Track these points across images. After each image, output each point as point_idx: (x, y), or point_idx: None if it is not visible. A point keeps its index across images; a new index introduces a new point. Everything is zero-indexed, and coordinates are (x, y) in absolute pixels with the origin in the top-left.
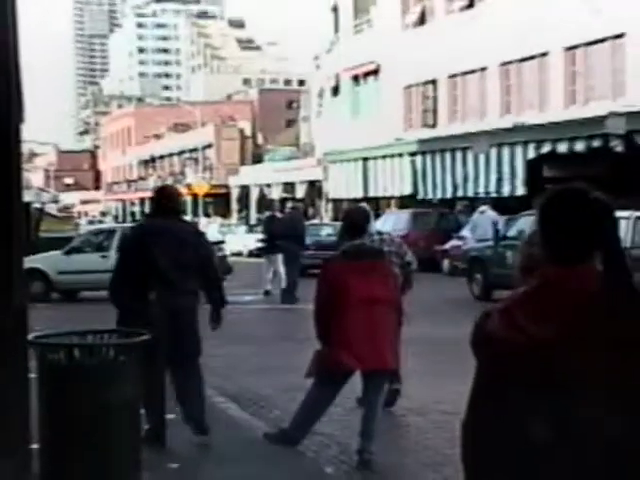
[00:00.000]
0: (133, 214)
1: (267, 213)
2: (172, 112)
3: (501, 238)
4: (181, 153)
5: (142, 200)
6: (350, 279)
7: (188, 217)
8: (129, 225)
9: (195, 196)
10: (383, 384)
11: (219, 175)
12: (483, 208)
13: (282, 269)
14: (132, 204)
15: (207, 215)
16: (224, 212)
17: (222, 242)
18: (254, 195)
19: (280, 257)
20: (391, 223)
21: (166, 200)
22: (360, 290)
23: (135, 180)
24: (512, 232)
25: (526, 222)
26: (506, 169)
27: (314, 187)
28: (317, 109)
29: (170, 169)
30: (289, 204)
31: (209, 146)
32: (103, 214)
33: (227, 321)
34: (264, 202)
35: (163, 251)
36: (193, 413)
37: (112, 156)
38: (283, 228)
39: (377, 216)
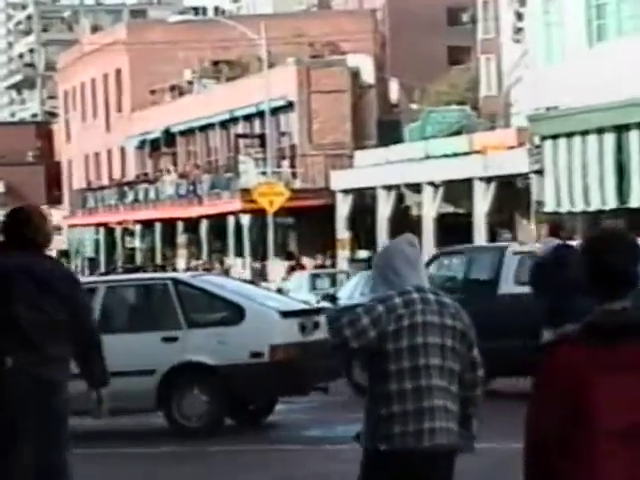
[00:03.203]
0: (131, 255)
1: (542, 245)
2: (207, 38)
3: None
4: (228, 124)
5: (148, 224)
6: (602, 386)
7: (244, 258)
8: (121, 277)
9: (261, 214)
10: None
11: (309, 169)
12: None
13: None
14: (127, 232)
15: (288, 254)
16: (323, 245)
17: (317, 312)
18: (385, 208)
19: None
20: None
21: (23, 226)
22: (624, 410)
23: (133, 182)
24: None
25: None
26: None
27: (513, 189)
28: (514, 23)
29: (207, 159)
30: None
31: (287, 107)
32: (65, 255)
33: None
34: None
35: (21, 299)
36: None
37: (84, 134)
38: (574, 277)
39: None
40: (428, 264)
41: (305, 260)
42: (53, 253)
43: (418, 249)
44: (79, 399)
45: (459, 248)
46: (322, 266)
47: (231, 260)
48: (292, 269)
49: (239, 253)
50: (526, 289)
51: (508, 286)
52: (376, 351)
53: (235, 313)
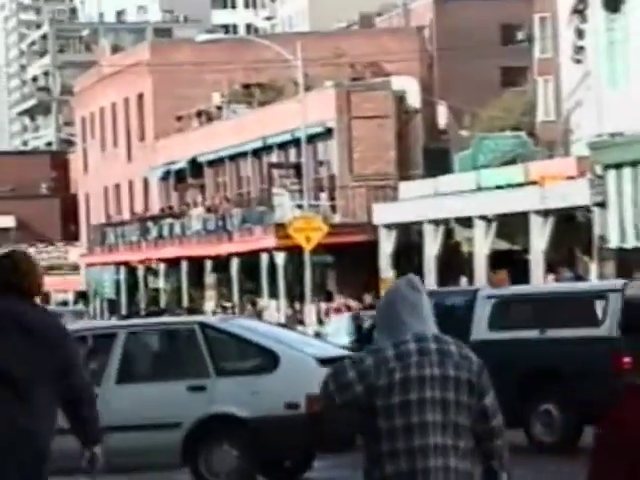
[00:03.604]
0: (155, 296)
1: None
2: (237, 59)
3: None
4: (261, 153)
5: (173, 263)
6: None
7: (278, 299)
8: (144, 321)
9: (297, 251)
10: None
11: (350, 202)
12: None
13: None
14: (150, 271)
15: (326, 295)
16: (365, 285)
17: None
18: (433, 244)
19: None
20: None
21: (10, 273)
22: None
23: (157, 217)
24: None
25: None
26: None
27: (573, 224)
28: (574, 41)
29: (237, 191)
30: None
31: (326, 134)
32: (83, 296)
33: None
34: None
35: (6, 348)
36: None
37: (103, 164)
38: None
39: None
40: None
41: (346, 302)
42: (70, 295)
43: (423, 292)
44: (73, 456)
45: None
46: (372, 307)
47: (264, 302)
48: (337, 311)
49: (273, 294)
50: (501, 335)
51: (481, 332)
52: (365, 408)
53: (268, 360)
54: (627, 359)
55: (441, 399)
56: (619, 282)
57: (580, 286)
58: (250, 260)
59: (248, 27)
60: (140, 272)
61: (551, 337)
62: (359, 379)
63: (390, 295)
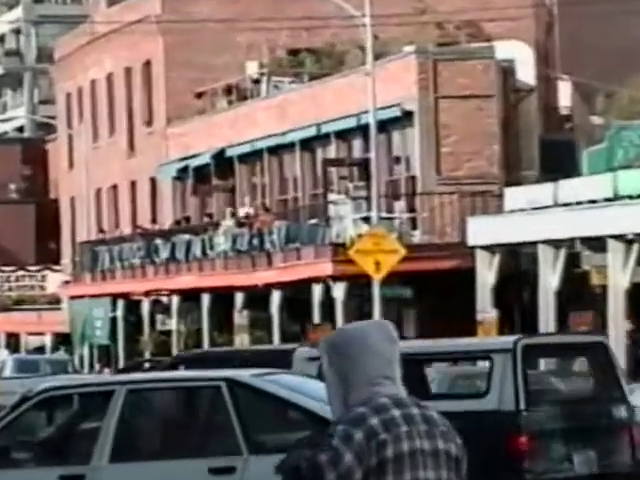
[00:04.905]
0: (166, 341)
1: None
2: (281, 15)
3: None
4: (313, 144)
5: (190, 295)
6: None
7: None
8: (150, 376)
9: (363, 282)
10: None
11: (436, 215)
12: None
13: None
14: (158, 307)
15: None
16: (457, 329)
17: None
18: (551, 274)
19: None
20: None
21: None
22: None
23: (168, 232)
24: None
25: None
26: None
27: None
28: None
29: (280, 197)
30: None
31: (404, 120)
32: (65, 341)
33: None
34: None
35: None
36: None
37: (95, 158)
38: None
39: None
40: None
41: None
42: (47, 338)
43: (398, 344)
44: None
45: (200, 352)
46: None
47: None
48: None
49: None
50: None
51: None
52: None
53: (319, 431)
54: (524, 439)
55: None
56: (508, 340)
57: (456, 344)
58: (297, 293)
59: None
60: (145, 308)
61: None
62: (358, 462)
63: (354, 342)
